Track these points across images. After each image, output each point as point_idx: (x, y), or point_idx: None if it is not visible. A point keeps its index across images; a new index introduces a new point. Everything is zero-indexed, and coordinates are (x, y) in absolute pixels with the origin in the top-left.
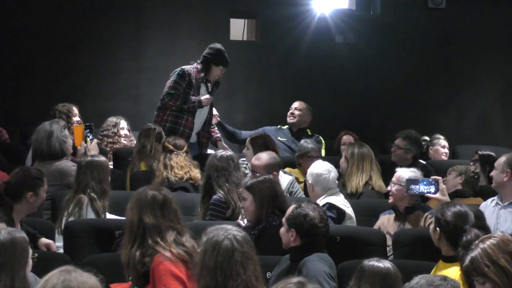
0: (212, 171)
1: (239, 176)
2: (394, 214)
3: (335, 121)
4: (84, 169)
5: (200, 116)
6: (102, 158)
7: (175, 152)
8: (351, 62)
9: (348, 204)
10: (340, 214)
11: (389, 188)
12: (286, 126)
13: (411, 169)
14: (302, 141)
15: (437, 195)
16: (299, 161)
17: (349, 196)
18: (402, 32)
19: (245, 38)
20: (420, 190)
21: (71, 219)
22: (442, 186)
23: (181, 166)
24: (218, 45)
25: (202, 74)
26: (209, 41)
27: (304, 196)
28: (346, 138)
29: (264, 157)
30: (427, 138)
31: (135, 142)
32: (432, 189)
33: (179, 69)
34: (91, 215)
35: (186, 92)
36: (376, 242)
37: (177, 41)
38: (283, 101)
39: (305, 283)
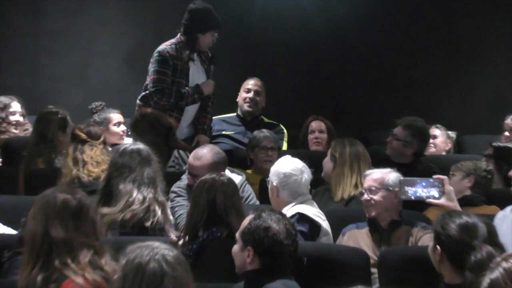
0: (112, 170)
1: (150, 173)
2: (365, 229)
3: (299, 104)
4: None
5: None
6: None
7: (88, 143)
8: (321, 24)
9: (323, 216)
10: (314, 228)
11: (365, 196)
12: (232, 114)
13: (388, 169)
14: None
15: (442, 201)
16: (249, 156)
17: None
18: None
19: None
20: (419, 194)
21: None
22: (448, 188)
23: (96, 161)
24: (198, 3)
25: (188, 50)
26: None
27: (257, 203)
28: (315, 125)
29: (206, 154)
30: (453, 134)
31: (31, 130)
32: (435, 192)
33: (155, 53)
34: None
35: (175, 83)
36: (358, 264)
37: None
38: (229, 80)
39: None
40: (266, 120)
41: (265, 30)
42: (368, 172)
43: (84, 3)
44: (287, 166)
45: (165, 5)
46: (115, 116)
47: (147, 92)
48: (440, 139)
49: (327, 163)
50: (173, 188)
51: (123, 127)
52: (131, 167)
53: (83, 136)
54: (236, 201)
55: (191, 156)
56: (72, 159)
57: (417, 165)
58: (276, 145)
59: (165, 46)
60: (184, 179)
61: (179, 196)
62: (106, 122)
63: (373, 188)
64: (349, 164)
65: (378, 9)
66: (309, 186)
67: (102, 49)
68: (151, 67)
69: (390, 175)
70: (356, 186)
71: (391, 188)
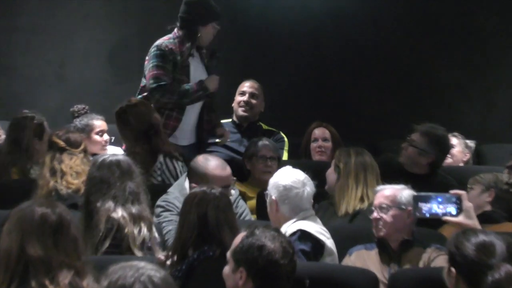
0: (89, 186)
1: (132, 187)
2: (374, 251)
3: (302, 109)
4: None
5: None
6: None
7: (67, 152)
8: (327, 20)
9: (328, 234)
10: (317, 246)
11: (375, 215)
12: (227, 120)
13: (401, 186)
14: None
15: (460, 218)
16: (246, 167)
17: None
18: None
19: None
20: (434, 211)
21: None
22: (467, 204)
23: (76, 172)
24: None
25: (188, 44)
26: None
27: (252, 218)
28: (319, 132)
29: (223, 161)
30: (472, 144)
31: (3, 138)
32: (453, 209)
33: (153, 48)
34: None
35: (176, 80)
36: (365, 286)
37: None
38: (224, 82)
39: None
40: (264, 127)
41: (264, 26)
42: (379, 188)
43: None
44: (288, 178)
45: None
46: (98, 124)
47: (144, 93)
48: (458, 148)
49: (331, 175)
50: (159, 203)
51: (106, 136)
52: (110, 182)
53: (62, 143)
54: (229, 217)
55: (214, 167)
56: (49, 169)
57: (432, 178)
58: (275, 154)
59: (163, 40)
60: (172, 193)
61: (167, 210)
62: (88, 129)
63: (384, 206)
64: (354, 175)
65: (392, 4)
66: (312, 200)
67: (82, 46)
68: (149, 63)
69: (403, 192)
70: (361, 199)
71: (403, 207)
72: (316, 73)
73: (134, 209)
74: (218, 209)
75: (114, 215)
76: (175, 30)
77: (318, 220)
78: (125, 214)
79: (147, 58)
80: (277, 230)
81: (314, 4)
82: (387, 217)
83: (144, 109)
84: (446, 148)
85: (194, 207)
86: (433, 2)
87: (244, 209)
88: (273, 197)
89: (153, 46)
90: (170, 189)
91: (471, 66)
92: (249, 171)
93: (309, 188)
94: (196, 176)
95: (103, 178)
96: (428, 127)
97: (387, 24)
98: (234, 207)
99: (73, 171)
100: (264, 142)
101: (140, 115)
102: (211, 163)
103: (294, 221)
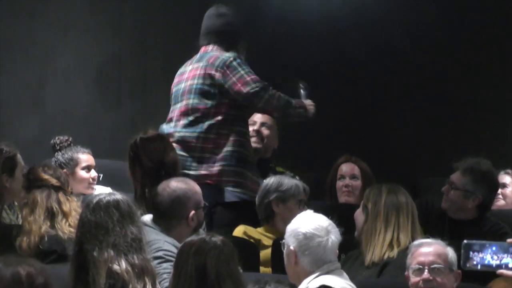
0: (83, 232)
1: (135, 232)
2: None
3: (326, 141)
4: None
5: None
6: None
7: (62, 192)
8: (354, 30)
9: None
10: None
11: (426, 275)
12: None
13: (440, 242)
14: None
15: None
16: (272, 209)
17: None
18: None
19: None
20: (487, 263)
21: None
22: None
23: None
24: (226, 9)
25: (243, 57)
26: None
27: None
28: (347, 168)
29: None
30: None
31: None
32: (509, 260)
33: (230, 59)
34: None
35: None
36: None
37: None
38: None
39: None
40: (279, 169)
41: (280, 37)
42: (422, 241)
43: (40, 3)
44: (309, 224)
45: (146, 7)
46: (84, 158)
47: (218, 118)
48: (511, 188)
49: (359, 217)
50: (156, 254)
51: (93, 173)
52: (108, 227)
53: (55, 181)
54: (233, 269)
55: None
56: (44, 210)
57: (482, 223)
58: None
59: (229, 53)
60: (160, 240)
61: (167, 261)
62: (72, 164)
63: (439, 268)
64: (384, 217)
65: (436, 16)
66: (337, 251)
67: (64, 64)
68: (239, 71)
69: (449, 250)
70: (391, 245)
71: (454, 268)
72: (343, 96)
73: (137, 260)
74: (219, 260)
75: (116, 267)
76: (213, 47)
77: (345, 274)
78: (129, 267)
79: (226, 71)
80: (293, 286)
81: (339, 17)
82: (442, 280)
83: (158, 144)
84: (494, 184)
85: (191, 258)
86: (483, 15)
87: None
88: (292, 247)
89: (227, 57)
90: (155, 237)
91: None
92: (270, 215)
93: (334, 236)
94: None
95: (99, 223)
96: (470, 163)
97: (431, 44)
98: None
99: (77, 214)
100: (303, 184)
101: (152, 151)
102: None
103: (316, 276)
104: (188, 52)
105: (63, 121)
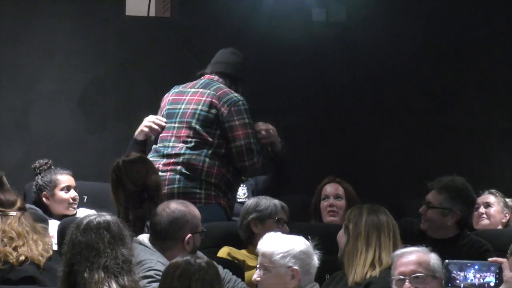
0: (73, 253)
1: (125, 254)
2: None
3: (311, 162)
4: None
5: None
6: None
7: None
8: (338, 54)
9: None
10: None
11: (407, 285)
12: None
13: (423, 248)
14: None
15: None
16: (252, 229)
17: None
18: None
19: (152, 14)
20: (470, 281)
21: None
22: (508, 274)
23: (18, 236)
24: (234, 50)
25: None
26: (87, 18)
27: None
28: (331, 189)
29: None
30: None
31: None
32: (492, 279)
33: (237, 101)
34: None
35: None
36: None
37: (37, 20)
38: None
39: None
40: None
41: (264, 61)
42: (403, 251)
43: (23, 26)
44: (299, 243)
45: (130, 31)
46: (64, 179)
47: (220, 150)
48: (496, 208)
49: (341, 238)
50: (149, 273)
51: (73, 193)
52: (99, 249)
53: None
54: None
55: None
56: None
57: (461, 241)
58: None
59: (233, 93)
60: (151, 260)
61: (158, 281)
62: (51, 186)
63: (419, 276)
64: (365, 237)
65: (417, 42)
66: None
67: (48, 88)
68: (242, 118)
69: (432, 256)
70: (372, 265)
71: (437, 275)
72: (328, 119)
73: (127, 282)
74: (204, 282)
75: None
76: (218, 78)
77: None
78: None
79: (232, 110)
80: None
81: (323, 40)
82: None
83: (141, 167)
84: (470, 200)
85: (175, 281)
86: (473, 37)
87: (235, 282)
88: (295, 267)
89: (235, 98)
90: (148, 256)
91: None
92: (251, 236)
93: (316, 256)
94: None
95: (90, 244)
96: (444, 181)
97: (414, 69)
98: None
99: (15, 236)
100: (281, 203)
101: (134, 174)
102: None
103: None
104: (172, 76)
105: (48, 145)
